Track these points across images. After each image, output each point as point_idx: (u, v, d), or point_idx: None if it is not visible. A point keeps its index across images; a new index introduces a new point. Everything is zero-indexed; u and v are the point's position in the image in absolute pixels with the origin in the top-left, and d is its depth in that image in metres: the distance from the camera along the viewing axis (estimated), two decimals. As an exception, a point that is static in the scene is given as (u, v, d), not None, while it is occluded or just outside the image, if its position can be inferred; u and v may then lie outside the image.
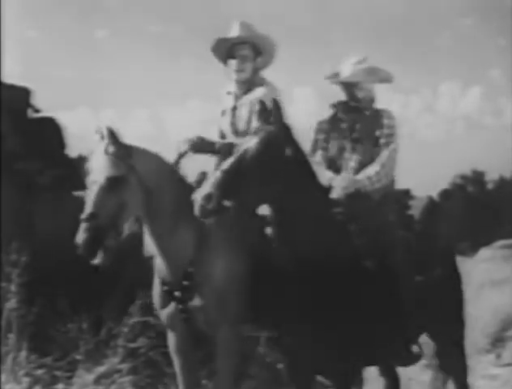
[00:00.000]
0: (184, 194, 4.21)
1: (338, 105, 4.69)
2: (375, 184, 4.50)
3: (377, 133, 4.59)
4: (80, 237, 3.97)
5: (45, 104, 8.97)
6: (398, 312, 4.21)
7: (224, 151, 4.42)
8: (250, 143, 3.94)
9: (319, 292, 4.01)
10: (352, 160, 4.61)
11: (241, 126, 4.62)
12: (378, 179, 4.51)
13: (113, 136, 4.16)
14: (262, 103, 4.09)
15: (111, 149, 4.15)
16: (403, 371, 5.03)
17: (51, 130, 8.76)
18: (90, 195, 4.08)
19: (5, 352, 6.03)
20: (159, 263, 4.38)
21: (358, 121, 4.65)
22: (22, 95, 8.70)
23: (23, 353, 6.02)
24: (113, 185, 4.10)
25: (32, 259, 6.30)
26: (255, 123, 4.26)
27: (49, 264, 6.98)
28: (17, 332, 6.12)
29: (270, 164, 3.88)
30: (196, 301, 4.29)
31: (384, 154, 4.55)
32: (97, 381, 5.92)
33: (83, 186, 4.32)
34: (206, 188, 3.79)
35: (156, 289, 4.46)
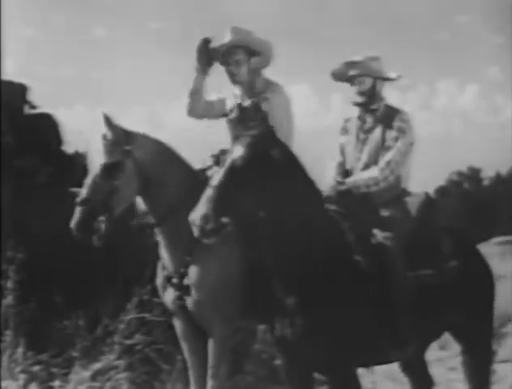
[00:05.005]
0: (188, 184, 4.24)
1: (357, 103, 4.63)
2: (371, 187, 4.46)
3: (386, 135, 4.52)
4: (73, 219, 4.19)
5: (43, 101, 8.96)
6: (389, 309, 4.19)
7: None
8: (237, 152, 3.88)
9: (312, 289, 4.01)
10: (360, 161, 4.57)
11: None
12: (375, 182, 4.46)
13: (109, 122, 4.24)
14: (240, 108, 4.07)
15: (107, 135, 4.24)
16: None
17: (48, 127, 8.73)
18: (87, 180, 4.23)
19: (1, 348, 6.03)
20: (162, 248, 4.43)
21: (367, 119, 4.60)
22: (18, 91, 8.67)
23: (20, 350, 6.03)
24: (107, 171, 4.22)
25: (29, 256, 6.30)
26: None
27: (46, 261, 6.98)
28: (14, 329, 6.12)
29: (260, 169, 3.82)
30: (191, 297, 4.31)
31: (385, 158, 4.48)
32: (93, 377, 5.93)
33: (80, 183, 4.36)
34: (202, 208, 3.71)
35: (159, 273, 4.52)
